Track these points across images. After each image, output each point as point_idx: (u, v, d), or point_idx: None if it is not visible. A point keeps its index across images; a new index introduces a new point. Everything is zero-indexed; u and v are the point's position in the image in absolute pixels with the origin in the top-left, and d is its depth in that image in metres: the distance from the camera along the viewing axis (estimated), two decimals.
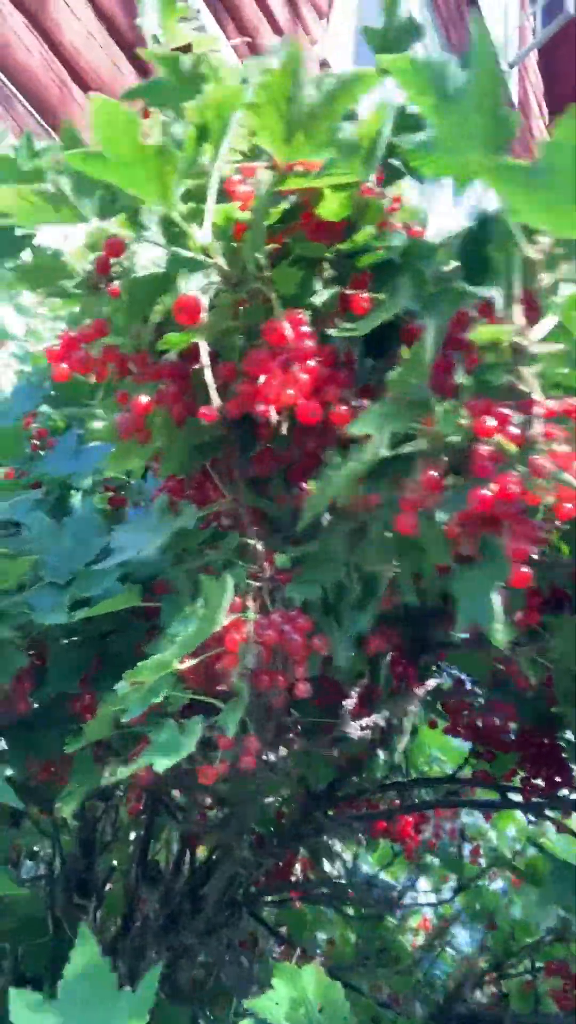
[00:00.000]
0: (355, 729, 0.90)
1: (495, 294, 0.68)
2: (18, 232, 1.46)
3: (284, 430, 0.76)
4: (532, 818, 1.31)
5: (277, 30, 4.21)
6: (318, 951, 1.79)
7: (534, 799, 1.18)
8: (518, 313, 0.67)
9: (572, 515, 0.62)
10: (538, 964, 1.45)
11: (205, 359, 0.74)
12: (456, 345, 0.68)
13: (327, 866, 1.68)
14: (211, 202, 0.74)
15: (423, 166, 0.72)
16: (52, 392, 1.30)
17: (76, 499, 1.24)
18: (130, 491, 1.45)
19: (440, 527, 0.64)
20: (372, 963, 1.38)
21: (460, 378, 0.66)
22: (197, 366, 0.77)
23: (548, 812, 1.24)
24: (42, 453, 1.39)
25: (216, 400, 0.74)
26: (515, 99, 6.87)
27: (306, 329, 0.74)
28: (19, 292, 2.33)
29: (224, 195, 0.78)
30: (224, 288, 0.77)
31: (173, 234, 0.76)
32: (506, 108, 0.64)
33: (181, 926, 1.40)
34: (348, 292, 0.79)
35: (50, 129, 3.37)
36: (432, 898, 1.82)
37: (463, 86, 0.64)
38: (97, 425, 1.49)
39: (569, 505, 0.62)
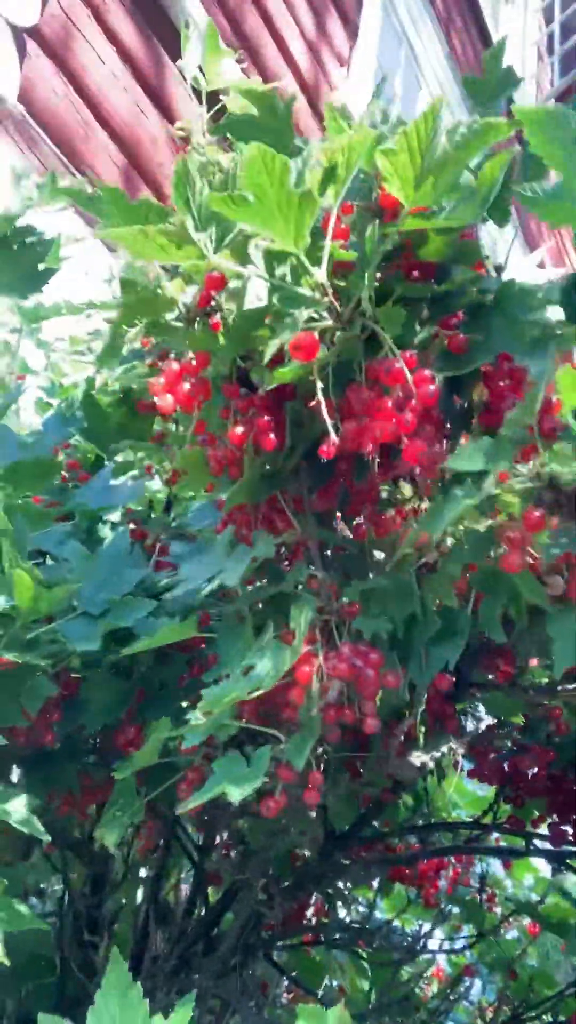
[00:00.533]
0: (410, 768, 0.90)
1: None
2: (40, 267, 1.48)
3: (376, 467, 0.77)
4: (557, 866, 1.29)
5: (299, 76, 4.29)
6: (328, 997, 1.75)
7: (563, 847, 1.16)
8: None
9: None
10: (560, 1018, 1.42)
11: (320, 395, 0.75)
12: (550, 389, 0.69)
13: (341, 911, 1.65)
14: (328, 241, 0.76)
15: (543, 213, 0.74)
16: (85, 424, 1.30)
17: (105, 531, 1.24)
18: (151, 524, 1.45)
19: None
20: (394, 1011, 1.35)
21: (570, 420, 0.66)
22: (292, 401, 0.78)
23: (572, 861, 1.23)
24: (70, 485, 1.40)
25: (334, 436, 0.75)
26: None
27: (427, 372, 0.75)
28: (39, 327, 2.35)
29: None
30: (333, 326, 0.78)
31: (292, 271, 0.78)
32: None
33: (193, 967, 1.38)
34: (444, 332, 0.81)
35: (73, 168, 3.42)
36: (445, 946, 1.79)
37: None
38: (119, 459, 1.49)
39: None
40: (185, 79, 1.18)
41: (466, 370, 0.79)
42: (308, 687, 0.76)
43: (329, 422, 0.75)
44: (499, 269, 0.87)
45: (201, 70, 1.16)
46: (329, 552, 0.98)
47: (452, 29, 6.04)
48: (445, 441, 0.82)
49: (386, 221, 0.78)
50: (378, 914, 1.77)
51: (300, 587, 0.84)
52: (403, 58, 5.61)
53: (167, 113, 3.72)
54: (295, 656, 0.74)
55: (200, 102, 1.17)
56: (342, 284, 0.79)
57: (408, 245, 0.81)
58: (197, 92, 1.20)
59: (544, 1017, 1.44)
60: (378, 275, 0.80)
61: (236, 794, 0.72)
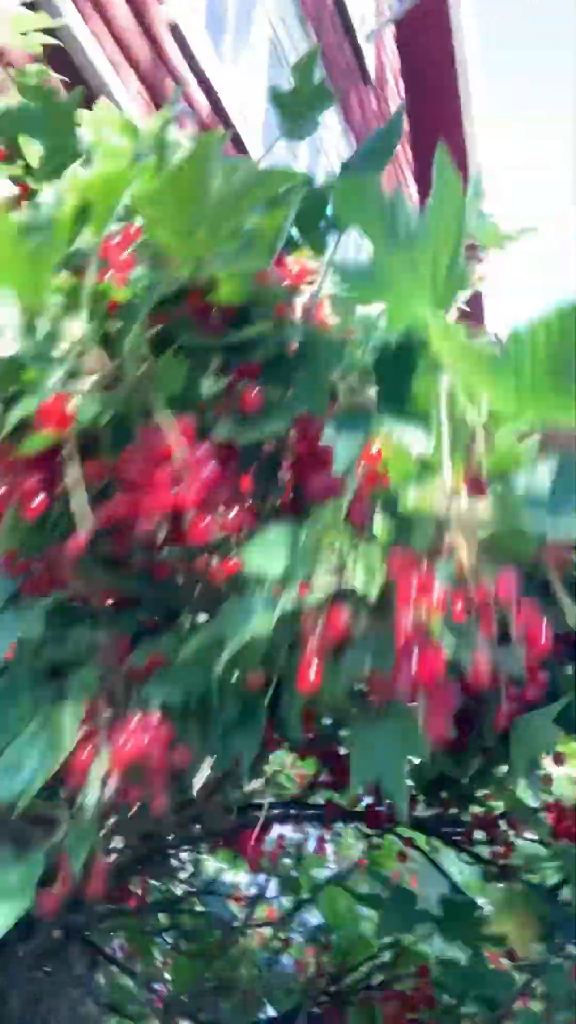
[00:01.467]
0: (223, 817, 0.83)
1: (418, 433, 0.63)
2: None
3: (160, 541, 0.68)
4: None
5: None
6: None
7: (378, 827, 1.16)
8: (448, 469, 0.61)
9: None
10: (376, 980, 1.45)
11: (75, 474, 0.64)
12: (371, 479, 0.62)
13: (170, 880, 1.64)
14: (89, 289, 0.67)
15: (357, 293, 0.68)
16: None
17: None
18: None
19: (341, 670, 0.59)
20: (210, 998, 1.34)
21: (380, 525, 0.60)
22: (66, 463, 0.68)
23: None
24: None
25: (88, 522, 0.64)
26: (372, 74, 6.81)
27: (204, 447, 0.65)
28: None
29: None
30: (97, 383, 0.67)
31: (45, 329, 0.68)
32: (461, 262, 0.61)
33: (6, 959, 1.33)
34: (237, 384, 0.72)
35: None
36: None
37: (416, 229, 0.60)
38: None
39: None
40: None
41: (261, 436, 0.69)
42: (87, 773, 0.66)
43: (82, 513, 0.63)
44: (308, 312, 0.76)
45: None
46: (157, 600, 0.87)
47: None
48: (248, 501, 0.72)
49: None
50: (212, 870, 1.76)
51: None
52: None
53: None
54: (60, 753, 0.67)
55: None
56: (118, 327, 0.69)
57: (194, 287, 0.71)
58: None
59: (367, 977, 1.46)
60: (160, 318, 0.70)
61: (6, 918, 0.63)
